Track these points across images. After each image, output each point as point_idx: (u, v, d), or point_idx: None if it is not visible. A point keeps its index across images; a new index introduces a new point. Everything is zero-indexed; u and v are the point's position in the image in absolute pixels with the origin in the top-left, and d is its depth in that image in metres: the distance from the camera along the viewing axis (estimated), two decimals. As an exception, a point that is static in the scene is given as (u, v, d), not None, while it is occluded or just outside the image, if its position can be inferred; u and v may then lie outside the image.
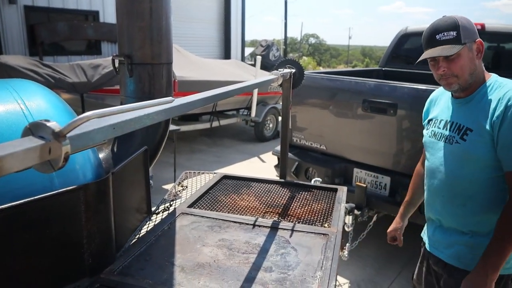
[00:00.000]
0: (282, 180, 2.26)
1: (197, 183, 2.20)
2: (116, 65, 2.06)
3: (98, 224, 1.24)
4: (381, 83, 3.34)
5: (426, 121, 1.79)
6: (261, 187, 2.13)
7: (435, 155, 1.67)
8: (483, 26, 4.16)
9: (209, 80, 6.48)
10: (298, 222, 1.70)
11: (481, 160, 1.49)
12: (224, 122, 7.73)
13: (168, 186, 5.05)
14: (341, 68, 31.61)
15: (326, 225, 1.68)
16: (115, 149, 1.89)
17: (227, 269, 1.30)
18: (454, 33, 1.48)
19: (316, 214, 1.79)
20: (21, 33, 7.61)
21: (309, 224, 1.68)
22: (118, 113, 0.72)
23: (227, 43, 13.28)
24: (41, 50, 7.73)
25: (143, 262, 1.34)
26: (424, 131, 1.79)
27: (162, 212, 1.82)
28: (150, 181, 1.85)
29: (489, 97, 1.50)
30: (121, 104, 2.05)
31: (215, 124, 7.44)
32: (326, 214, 1.79)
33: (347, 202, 2.26)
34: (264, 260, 1.37)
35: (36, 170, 0.62)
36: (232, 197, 1.97)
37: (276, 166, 4.04)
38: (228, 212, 1.78)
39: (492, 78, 1.57)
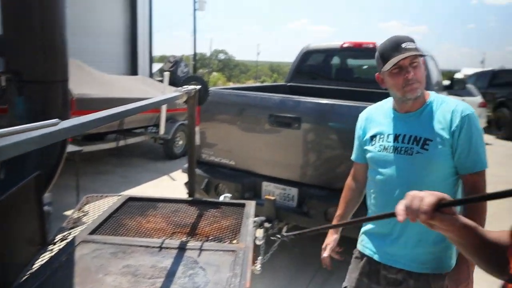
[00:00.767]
0: (190, 199, 2.23)
1: (100, 207, 2.06)
2: (3, 82, 1.88)
3: (-22, 262, 1.10)
4: (285, 98, 3.47)
5: (368, 137, 1.83)
6: (168, 207, 2.06)
7: (389, 168, 1.72)
8: (374, 44, 4.58)
9: (112, 98, 6.18)
10: (207, 241, 1.68)
11: (442, 167, 1.65)
12: (131, 140, 7.41)
13: (70, 212, 4.68)
14: (250, 83, 32.47)
15: (235, 241, 1.68)
16: (1, 176, 1.71)
17: (131, 298, 1.24)
18: (415, 45, 1.64)
19: (225, 231, 1.79)
20: None
21: (217, 242, 1.67)
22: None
23: (133, 58, 12.80)
24: None
25: (36, 300, 1.22)
26: (369, 147, 1.81)
27: (60, 242, 1.67)
28: (48, 207, 1.70)
29: (439, 111, 1.67)
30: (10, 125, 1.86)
31: (122, 143, 7.11)
32: (234, 230, 1.79)
33: (257, 215, 2.29)
34: (172, 283, 1.32)
35: None
36: (138, 219, 1.88)
37: (186, 184, 3.98)
38: (134, 236, 1.69)
39: (433, 94, 1.74)
